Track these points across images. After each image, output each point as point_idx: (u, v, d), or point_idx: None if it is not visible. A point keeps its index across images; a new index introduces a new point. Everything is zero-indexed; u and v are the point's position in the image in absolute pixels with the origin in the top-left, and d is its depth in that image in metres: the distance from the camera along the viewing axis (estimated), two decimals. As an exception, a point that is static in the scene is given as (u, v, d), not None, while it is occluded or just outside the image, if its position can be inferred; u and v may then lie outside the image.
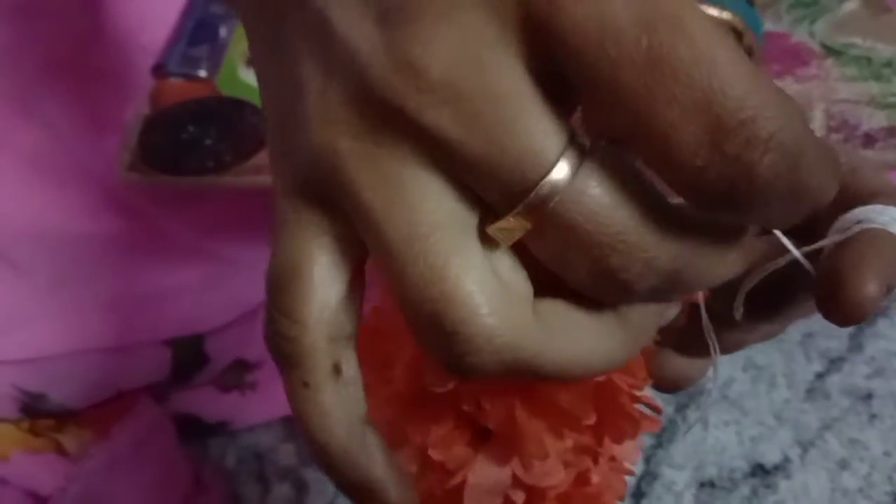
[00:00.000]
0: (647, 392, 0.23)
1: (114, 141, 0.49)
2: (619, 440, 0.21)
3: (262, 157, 0.46)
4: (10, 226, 0.50)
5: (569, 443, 0.20)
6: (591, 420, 0.20)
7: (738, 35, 0.42)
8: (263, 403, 0.58)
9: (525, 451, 0.21)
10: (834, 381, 0.56)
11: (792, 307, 0.25)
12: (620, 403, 0.21)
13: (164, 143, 0.47)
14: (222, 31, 0.53)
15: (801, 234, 0.24)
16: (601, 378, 0.20)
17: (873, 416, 0.55)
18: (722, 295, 0.23)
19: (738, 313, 0.23)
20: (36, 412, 0.51)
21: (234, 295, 0.53)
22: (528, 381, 0.20)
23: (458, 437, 0.21)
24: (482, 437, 0.22)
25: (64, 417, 0.51)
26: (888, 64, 0.47)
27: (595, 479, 0.22)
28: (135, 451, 0.51)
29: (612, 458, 0.23)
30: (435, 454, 0.21)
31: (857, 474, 0.53)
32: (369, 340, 0.22)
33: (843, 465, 0.53)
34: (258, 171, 0.46)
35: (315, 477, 0.56)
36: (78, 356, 0.51)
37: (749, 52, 0.44)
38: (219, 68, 0.52)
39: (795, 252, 0.21)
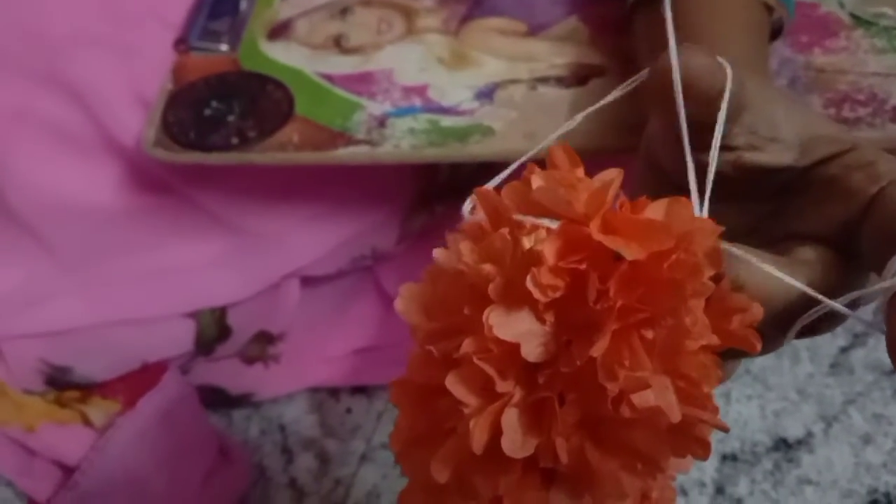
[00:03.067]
0: None
1: (139, 115, 0.49)
2: (683, 457, 0.21)
3: (285, 133, 0.46)
4: (35, 199, 0.50)
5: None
6: (668, 461, 0.20)
7: (768, 9, 0.41)
8: (287, 375, 0.58)
9: (601, 491, 0.21)
10: (858, 355, 0.56)
11: (825, 329, 0.25)
12: (694, 434, 0.21)
13: (187, 120, 0.46)
14: (243, 4, 0.53)
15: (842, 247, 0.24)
16: (675, 421, 0.20)
17: (897, 391, 0.55)
18: (775, 322, 0.24)
19: (789, 339, 0.24)
20: (61, 384, 0.51)
21: (258, 267, 0.53)
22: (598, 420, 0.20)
23: (529, 482, 0.21)
24: (549, 477, 0.22)
25: (89, 388, 0.52)
26: (920, 36, 0.46)
27: (655, 495, 0.22)
28: (161, 423, 0.52)
29: (668, 472, 0.23)
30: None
31: (881, 449, 0.53)
32: (421, 395, 0.22)
33: (867, 439, 0.53)
34: (282, 148, 0.45)
35: (338, 448, 0.56)
36: (102, 329, 0.51)
37: (780, 26, 0.43)
38: (240, 41, 0.51)
39: (833, 304, 0.22)
